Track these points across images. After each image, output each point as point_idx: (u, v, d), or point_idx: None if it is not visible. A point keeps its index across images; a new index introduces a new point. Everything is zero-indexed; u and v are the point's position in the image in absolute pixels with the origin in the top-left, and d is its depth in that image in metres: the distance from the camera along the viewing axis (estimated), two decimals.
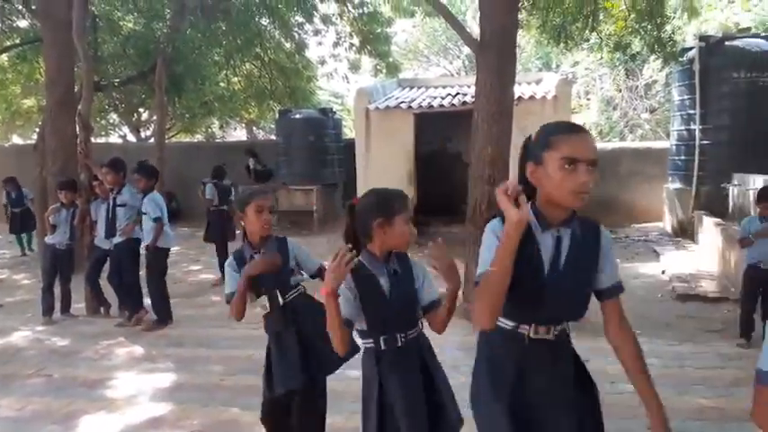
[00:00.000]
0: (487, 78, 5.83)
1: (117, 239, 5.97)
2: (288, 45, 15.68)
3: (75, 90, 9.08)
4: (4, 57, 13.61)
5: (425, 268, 2.15)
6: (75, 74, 9.28)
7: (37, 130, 17.83)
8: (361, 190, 10.84)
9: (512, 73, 6.04)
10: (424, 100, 11.05)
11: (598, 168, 1.64)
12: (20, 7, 12.06)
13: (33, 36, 11.78)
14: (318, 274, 2.85)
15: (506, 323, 1.76)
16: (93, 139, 8.10)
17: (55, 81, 8.92)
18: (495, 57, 5.80)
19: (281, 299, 2.76)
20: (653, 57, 11.05)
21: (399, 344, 2.09)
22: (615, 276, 1.76)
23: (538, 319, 1.74)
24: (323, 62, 16.99)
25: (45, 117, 9.77)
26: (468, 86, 12.05)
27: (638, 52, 10.57)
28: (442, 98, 11.02)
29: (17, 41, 12.58)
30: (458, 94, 11.16)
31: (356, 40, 14.68)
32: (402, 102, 10.89)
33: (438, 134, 12.60)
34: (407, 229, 2.07)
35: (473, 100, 10.52)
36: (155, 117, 16.94)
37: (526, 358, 1.76)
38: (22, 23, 12.97)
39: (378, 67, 15.35)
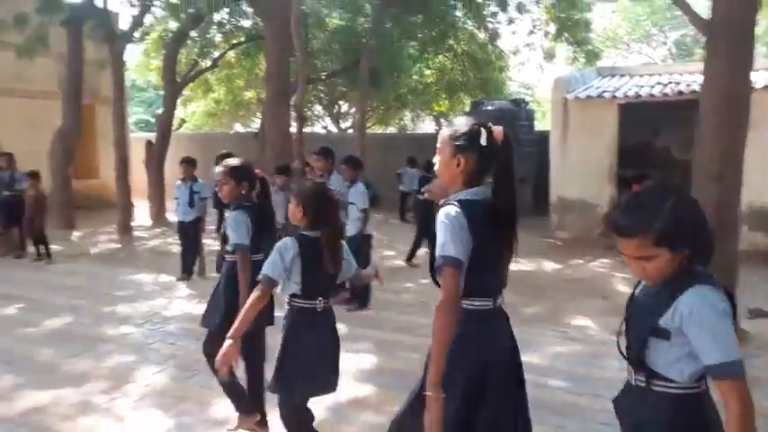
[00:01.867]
0: (718, 63, 5.18)
1: None
2: (481, 35, 15.57)
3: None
4: (231, 53, 15.36)
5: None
6: (290, 68, 10.12)
7: (254, 119, 19.85)
8: (556, 184, 10.39)
9: (748, 58, 5.30)
10: (629, 89, 10.24)
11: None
12: (245, 8, 13.51)
13: (255, 34, 13.09)
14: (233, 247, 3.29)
15: None
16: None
17: (274, 74, 9.82)
18: (728, 39, 5.13)
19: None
20: None
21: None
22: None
23: None
24: (516, 52, 16.61)
25: (264, 109, 10.81)
26: (680, 74, 10.94)
27: None
28: (651, 87, 10.11)
29: (242, 39, 14.09)
30: (670, 82, 10.16)
31: (552, 28, 14.11)
32: (605, 91, 10.20)
33: (643, 127, 11.62)
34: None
35: (689, 89, 9.50)
36: (353, 109, 17.91)
37: None
38: (246, 23, 14.52)
39: (575, 54, 14.61)
